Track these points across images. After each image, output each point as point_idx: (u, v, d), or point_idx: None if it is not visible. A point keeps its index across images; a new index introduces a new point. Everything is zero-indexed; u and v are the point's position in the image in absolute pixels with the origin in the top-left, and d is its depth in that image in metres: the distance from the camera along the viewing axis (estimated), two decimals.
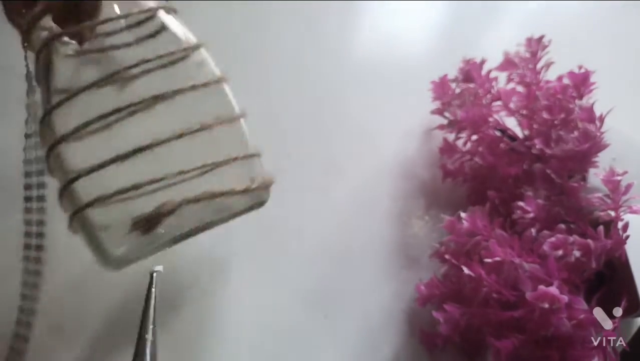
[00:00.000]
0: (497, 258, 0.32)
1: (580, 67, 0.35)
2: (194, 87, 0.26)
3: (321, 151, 0.43)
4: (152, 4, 0.27)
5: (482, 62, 0.40)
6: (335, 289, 0.38)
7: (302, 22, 0.39)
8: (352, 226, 0.41)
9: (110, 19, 0.26)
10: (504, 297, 0.32)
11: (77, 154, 0.25)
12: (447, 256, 0.35)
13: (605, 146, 0.33)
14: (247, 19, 0.44)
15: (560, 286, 0.30)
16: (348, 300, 0.38)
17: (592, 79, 0.35)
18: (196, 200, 0.26)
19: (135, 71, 0.25)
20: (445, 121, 0.42)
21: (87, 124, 0.24)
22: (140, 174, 0.25)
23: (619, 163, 0.33)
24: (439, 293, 0.35)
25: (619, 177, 0.32)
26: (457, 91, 0.41)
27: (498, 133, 0.40)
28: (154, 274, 0.28)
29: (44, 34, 0.25)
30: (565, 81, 0.36)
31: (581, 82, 0.35)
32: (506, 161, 0.39)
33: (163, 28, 0.28)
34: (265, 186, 0.30)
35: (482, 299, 0.33)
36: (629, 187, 0.32)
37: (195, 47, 0.28)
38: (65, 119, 0.25)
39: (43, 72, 0.26)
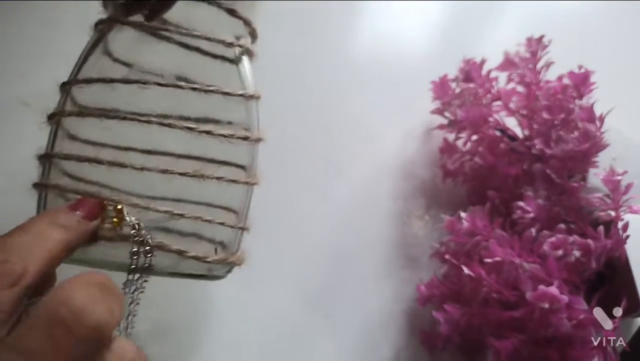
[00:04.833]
0: (497, 258, 0.32)
1: (580, 67, 0.35)
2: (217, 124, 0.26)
3: (321, 150, 0.43)
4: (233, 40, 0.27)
5: (482, 62, 0.40)
6: (335, 289, 0.38)
7: (302, 22, 0.40)
8: (352, 226, 0.41)
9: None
10: (504, 297, 0.32)
11: (76, 128, 0.25)
12: (447, 256, 0.35)
13: (605, 146, 0.33)
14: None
15: (560, 286, 0.30)
16: (348, 300, 0.38)
17: (592, 79, 0.35)
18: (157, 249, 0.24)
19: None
20: (445, 121, 0.42)
21: (88, 112, 0.24)
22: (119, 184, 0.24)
23: (619, 163, 0.33)
24: (439, 293, 0.35)
25: (619, 177, 0.32)
26: (457, 91, 0.41)
27: (498, 133, 0.40)
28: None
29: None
30: (565, 81, 0.36)
31: (581, 82, 0.35)
32: (506, 161, 0.39)
33: (232, 61, 0.27)
34: (228, 263, 0.27)
35: (482, 300, 0.33)
36: (629, 187, 0.32)
37: (249, 97, 0.28)
38: (82, 95, 0.25)
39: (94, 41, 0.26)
